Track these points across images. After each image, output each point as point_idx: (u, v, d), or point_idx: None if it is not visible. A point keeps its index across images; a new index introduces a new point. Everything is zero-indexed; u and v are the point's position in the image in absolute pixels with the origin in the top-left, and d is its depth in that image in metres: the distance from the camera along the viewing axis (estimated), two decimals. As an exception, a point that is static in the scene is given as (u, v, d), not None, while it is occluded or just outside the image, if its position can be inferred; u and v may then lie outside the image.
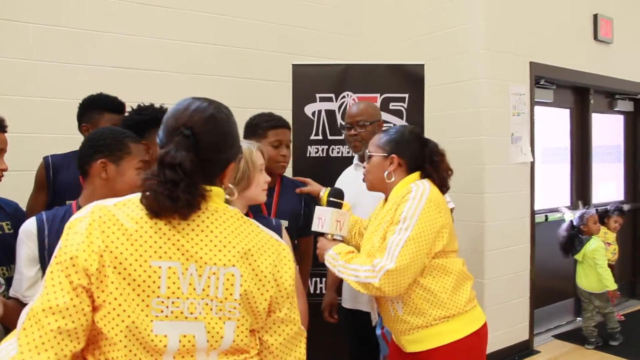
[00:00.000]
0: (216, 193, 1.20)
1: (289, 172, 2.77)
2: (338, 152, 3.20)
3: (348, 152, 3.16)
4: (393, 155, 2.02)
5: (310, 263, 2.68)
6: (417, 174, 2.02)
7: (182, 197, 1.10)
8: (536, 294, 4.28)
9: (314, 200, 2.53)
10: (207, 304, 1.14)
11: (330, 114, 3.23)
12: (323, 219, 2.07)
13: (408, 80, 3.28)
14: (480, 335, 1.97)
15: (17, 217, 1.92)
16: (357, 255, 1.98)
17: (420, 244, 1.83)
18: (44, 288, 1.07)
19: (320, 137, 3.21)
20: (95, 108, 2.43)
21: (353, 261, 1.93)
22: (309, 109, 3.21)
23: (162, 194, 1.09)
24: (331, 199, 2.10)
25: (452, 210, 2.69)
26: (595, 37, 4.73)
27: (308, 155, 3.21)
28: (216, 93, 3.48)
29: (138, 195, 1.16)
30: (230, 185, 1.28)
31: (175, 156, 1.11)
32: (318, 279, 3.11)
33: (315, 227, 2.09)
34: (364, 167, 2.13)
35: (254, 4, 3.71)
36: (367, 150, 2.10)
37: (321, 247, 2.10)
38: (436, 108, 3.91)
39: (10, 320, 1.50)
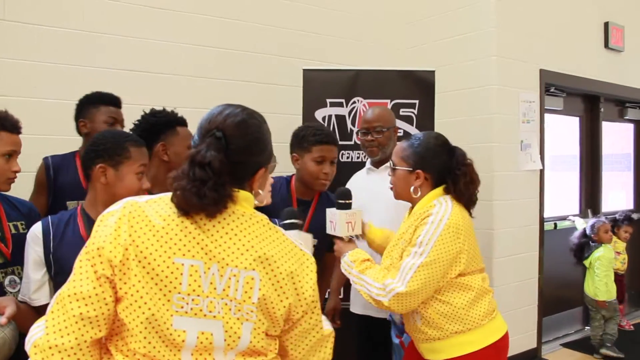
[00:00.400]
0: (244, 197, 1.22)
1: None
2: (348, 157, 3.20)
3: (358, 157, 3.17)
4: (418, 170, 1.98)
5: (330, 278, 2.65)
6: (439, 190, 1.97)
7: (209, 194, 1.13)
8: (545, 302, 4.26)
9: None
10: (226, 304, 1.16)
11: (341, 119, 3.24)
12: (334, 222, 2.07)
13: (419, 87, 3.29)
14: (499, 347, 1.96)
15: (31, 216, 1.94)
16: (371, 266, 1.97)
17: (433, 270, 1.82)
18: (72, 275, 1.13)
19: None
20: (91, 103, 2.44)
21: (367, 272, 1.93)
22: (319, 114, 3.22)
23: (190, 191, 1.13)
24: (339, 200, 2.08)
25: None
26: (606, 45, 4.72)
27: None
28: (226, 97, 3.50)
29: (169, 194, 1.19)
30: (260, 192, 1.30)
31: (205, 155, 1.15)
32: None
33: (329, 230, 2.09)
34: (389, 175, 2.09)
35: (265, 8, 3.73)
36: (390, 162, 2.07)
37: (338, 250, 2.11)
38: (446, 114, 3.91)
39: (22, 324, 1.51)
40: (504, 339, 1.99)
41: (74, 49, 3.06)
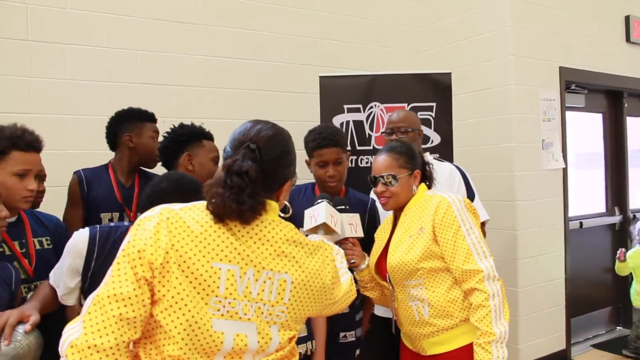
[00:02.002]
0: (273, 207, 1.30)
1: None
2: (367, 163, 3.22)
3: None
4: (417, 170, 2.09)
5: None
6: (424, 186, 2.11)
7: (247, 201, 1.20)
8: (572, 302, 4.20)
9: (376, 217, 2.49)
10: (259, 308, 1.23)
11: (359, 124, 3.26)
12: (336, 225, 2.03)
13: (435, 89, 3.29)
14: None
15: (57, 232, 1.98)
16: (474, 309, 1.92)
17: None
18: (110, 277, 1.16)
19: (348, 148, 3.23)
20: (137, 118, 2.56)
21: (484, 308, 1.87)
22: (337, 120, 3.24)
23: (228, 198, 1.19)
24: (338, 207, 2.08)
25: (485, 222, 2.69)
26: (628, 39, 4.65)
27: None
28: (244, 106, 3.61)
29: (202, 202, 1.26)
30: (286, 203, 1.38)
31: (242, 165, 1.22)
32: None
33: (348, 233, 2.08)
34: (379, 192, 2.09)
35: (279, 17, 3.78)
36: (389, 175, 2.05)
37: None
38: (465, 116, 3.91)
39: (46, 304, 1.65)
40: None
41: (102, 65, 3.15)
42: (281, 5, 3.77)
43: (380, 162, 2.08)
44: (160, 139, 2.42)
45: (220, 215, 1.21)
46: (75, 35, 3.09)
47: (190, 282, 1.17)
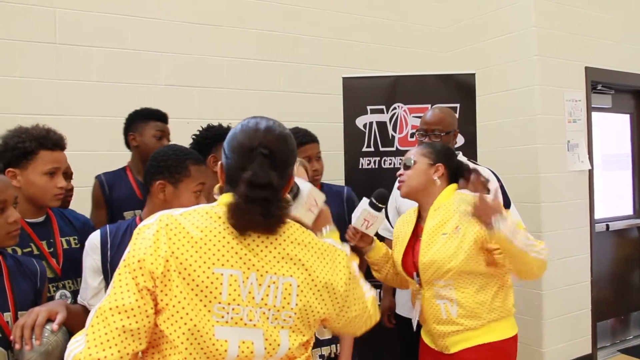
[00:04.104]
0: None
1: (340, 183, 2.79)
2: (390, 164, 3.21)
3: (400, 164, 3.16)
4: (440, 164, 2.09)
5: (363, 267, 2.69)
6: (455, 186, 2.10)
7: (275, 213, 1.17)
8: (599, 306, 4.13)
9: (355, 204, 2.56)
10: (264, 313, 1.18)
11: (382, 125, 3.25)
12: (357, 211, 2.08)
13: (459, 90, 3.27)
14: (516, 342, 2.05)
15: (85, 231, 2.00)
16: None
17: None
18: (112, 288, 1.14)
19: (372, 149, 3.23)
20: (141, 118, 2.62)
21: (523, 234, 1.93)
22: (360, 121, 3.24)
23: (256, 213, 1.15)
24: (372, 199, 2.07)
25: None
26: (656, 38, 4.56)
27: (360, 167, 3.23)
28: (267, 108, 3.63)
29: (203, 205, 1.23)
30: (287, 195, 1.32)
31: (265, 176, 1.17)
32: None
33: (360, 225, 2.09)
34: (400, 175, 2.13)
35: (302, 18, 3.79)
36: (409, 158, 2.12)
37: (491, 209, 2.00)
38: (489, 117, 3.87)
39: (74, 324, 1.57)
40: (517, 337, 2.07)
41: (120, 67, 3.19)
42: (305, 7, 3.78)
43: (409, 151, 2.17)
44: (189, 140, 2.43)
45: (245, 229, 1.18)
46: (102, 38, 3.13)
47: (192, 290, 1.14)
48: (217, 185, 1.33)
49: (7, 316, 1.59)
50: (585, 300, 4.03)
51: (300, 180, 1.58)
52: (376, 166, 3.21)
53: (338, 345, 2.03)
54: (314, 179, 2.47)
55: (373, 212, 2.06)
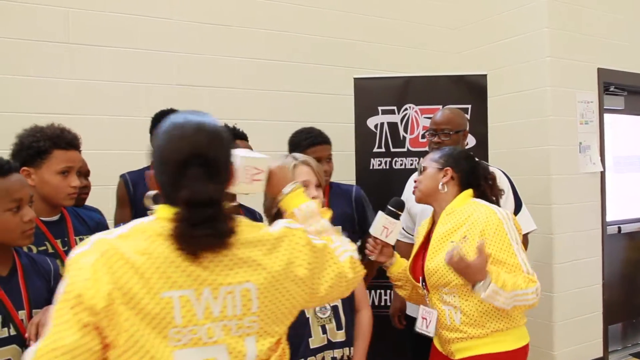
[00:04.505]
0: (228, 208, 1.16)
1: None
2: (401, 165, 3.20)
3: (411, 164, 3.16)
4: (447, 167, 2.07)
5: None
6: (470, 191, 2.06)
7: (224, 229, 1.09)
8: (611, 309, 4.10)
9: (363, 203, 2.60)
10: (225, 325, 1.12)
11: (393, 126, 3.25)
12: (375, 220, 2.10)
13: (471, 91, 3.26)
14: (526, 352, 2.00)
15: (98, 230, 1.95)
16: (497, 272, 1.88)
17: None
18: (52, 327, 1.04)
19: (382, 150, 3.23)
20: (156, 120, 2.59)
21: (510, 285, 1.85)
22: (371, 122, 3.24)
23: (205, 235, 1.07)
24: (389, 207, 2.09)
25: (532, 231, 2.65)
26: (669, 40, 4.52)
27: (371, 167, 3.23)
28: (277, 108, 3.64)
29: (138, 223, 1.14)
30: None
31: (204, 190, 1.08)
32: (382, 291, 3.11)
33: (379, 234, 2.10)
34: (415, 180, 2.16)
35: (313, 18, 3.79)
36: (421, 164, 2.16)
37: (473, 270, 1.92)
38: (500, 118, 3.85)
39: None
40: (527, 347, 2.01)
41: (134, 67, 3.21)
42: (315, 7, 3.78)
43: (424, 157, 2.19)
44: None
45: (196, 253, 1.08)
46: (114, 39, 3.15)
47: (142, 319, 1.05)
48: (152, 193, 1.24)
49: (22, 314, 1.60)
50: (596, 303, 4.00)
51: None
52: (387, 167, 3.21)
53: (352, 349, 1.99)
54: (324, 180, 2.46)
55: (391, 219, 2.07)
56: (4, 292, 1.61)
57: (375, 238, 2.10)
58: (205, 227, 1.06)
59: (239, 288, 1.12)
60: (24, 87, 2.92)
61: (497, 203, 2.09)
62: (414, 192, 2.16)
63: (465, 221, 1.95)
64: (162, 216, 1.12)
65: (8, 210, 1.57)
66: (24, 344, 1.56)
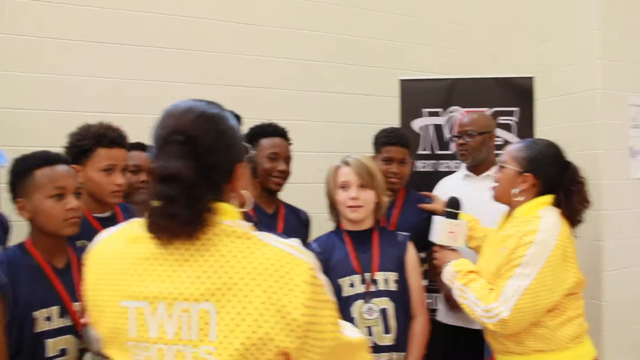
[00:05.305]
0: (223, 210, 1.01)
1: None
2: (446, 167, 3.18)
3: (456, 167, 3.13)
4: (529, 174, 1.91)
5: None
6: (547, 198, 1.90)
7: (180, 212, 0.93)
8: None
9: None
10: (179, 351, 0.95)
11: (438, 128, 3.23)
12: (437, 228, 2.05)
13: (517, 94, 3.22)
14: None
15: None
16: (476, 279, 1.87)
17: (540, 295, 1.74)
18: None
19: (428, 152, 3.21)
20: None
21: (471, 287, 1.84)
22: (416, 124, 3.23)
23: (158, 215, 0.95)
24: (447, 209, 2.07)
25: None
26: None
27: (415, 169, 3.21)
28: (322, 109, 3.65)
29: (129, 223, 1.06)
30: (243, 192, 1.09)
31: (167, 166, 0.95)
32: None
33: (431, 236, 2.08)
34: (493, 175, 2.06)
35: (358, 19, 3.79)
36: (500, 159, 2.03)
37: (439, 258, 2.04)
38: (548, 121, 3.77)
39: None
40: None
41: (162, 66, 3.22)
42: (359, 8, 3.78)
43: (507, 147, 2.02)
44: None
45: (158, 236, 0.96)
46: (139, 37, 3.18)
47: (107, 327, 0.99)
48: None
49: (77, 306, 1.66)
50: (648, 313, 3.88)
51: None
52: (432, 169, 3.19)
53: (403, 354, 1.92)
54: (389, 180, 2.37)
55: (455, 221, 2.02)
56: (62, 283, 1.67)
57: (442, 246, 2.04)
58: (161, 207, 0.94)
59: (196, 307, 0.94)
60: (88, 85, 3.00)
61: (579, 213, 1.94)
62: (493, 189, 2.03)
63: (516, 228, 1.86)
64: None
65: (50, 197, 1.63)
66: (78, 334, 1.64)
